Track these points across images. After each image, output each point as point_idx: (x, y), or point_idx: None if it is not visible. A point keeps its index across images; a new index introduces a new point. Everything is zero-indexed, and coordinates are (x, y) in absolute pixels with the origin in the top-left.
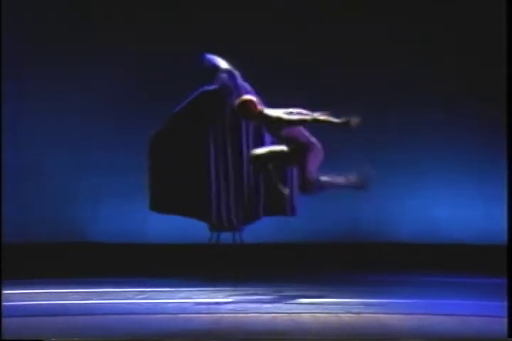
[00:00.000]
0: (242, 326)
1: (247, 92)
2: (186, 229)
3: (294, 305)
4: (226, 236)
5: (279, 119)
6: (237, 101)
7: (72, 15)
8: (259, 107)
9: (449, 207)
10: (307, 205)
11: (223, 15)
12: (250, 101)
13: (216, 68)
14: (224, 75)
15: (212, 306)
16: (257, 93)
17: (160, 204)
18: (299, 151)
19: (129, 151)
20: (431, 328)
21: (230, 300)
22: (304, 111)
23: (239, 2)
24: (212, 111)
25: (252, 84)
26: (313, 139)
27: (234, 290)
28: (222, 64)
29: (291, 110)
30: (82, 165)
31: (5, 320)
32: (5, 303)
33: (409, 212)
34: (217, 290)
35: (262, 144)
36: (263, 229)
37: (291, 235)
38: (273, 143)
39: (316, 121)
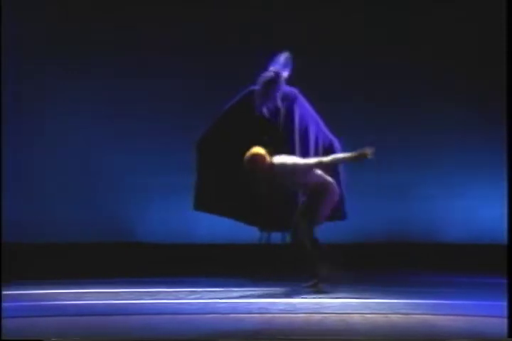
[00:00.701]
0: (293, 326)
1: (283, 97)
2: (237, 228)
3: (343, 305)
4: (276, 236)
5: (295, 165)
6: (245, 158)
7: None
8: (268, 159)
9: (497, 207)
10: (356, 206)
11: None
12: (258, 155)
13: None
14: (267, 75)
15: (263, 306)
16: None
17: (205, 203)
18: (317, 192)
19: (179, 151)
20: (480, 329)
21: (280, 300)
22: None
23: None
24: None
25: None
26: (328, 178)
27: (284, 291)
28: (280, 64)
29: (294, 157)
30: (131, 165)
31: (54, 320)
32: (57, 303)
33: (458, 213)
34: (267, 290)
35: (308, 143)
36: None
37: (340, 235)
38: (317, 142)
39: (332, 160)
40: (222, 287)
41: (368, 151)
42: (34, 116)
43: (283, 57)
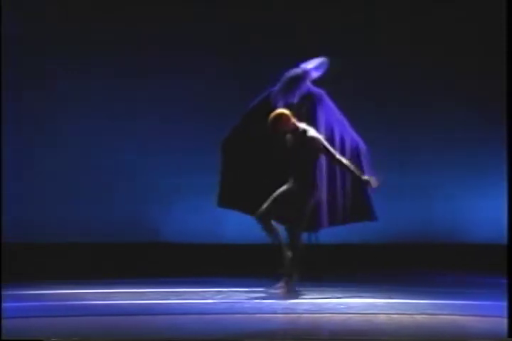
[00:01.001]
0: (318, 326)
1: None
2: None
3: (369, 305)
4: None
5: (314, 139)
6: (270, 116)
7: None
8: (293, 121)
9: None
10: (380, 207)
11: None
12: (283, 115)
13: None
14: (294, 71)
15: (288, 306)
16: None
17: (229, 200)
18: (302, 191)
19: (204, 152)
20: (506, 330)
21: (305, 300)
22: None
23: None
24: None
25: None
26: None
27: (309, 291)
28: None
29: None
30: (157, 166)
31: (83, 319)
32: (84, 302)
33: (482, 213)
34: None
35: (332, 143)
36: (337, 230)
37: (365, 236)
38: (343, 143)
39: (341, 162)
40: (248, 287)
41: (374, 183)
42: (38, 116)
43: (319, 60)
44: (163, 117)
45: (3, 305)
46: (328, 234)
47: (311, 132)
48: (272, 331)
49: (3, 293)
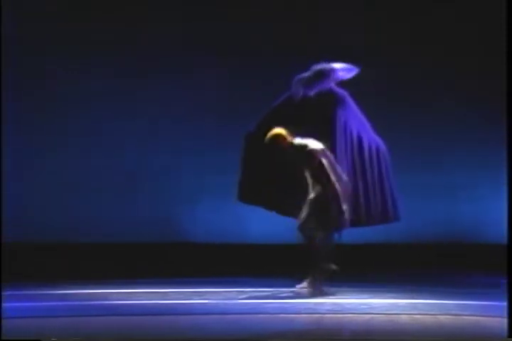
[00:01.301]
0: (341, 326)
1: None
2: (286, 228)
3: (392, 305)
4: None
5: (309, 156)
6: (267, 136)
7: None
8: (289, 139)
9: None
10: (405, 207)
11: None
12: (279, 135)
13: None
14: (323, 66)
15: (311, 306)
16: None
17: (248, 195)
18: (328, 192)
19: (229, 152)
20: None
21: (328, 300)
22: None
23: None
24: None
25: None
26: (344, 176)
27: (331, 291)
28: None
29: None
30: (182, 166)
31: (104, 319)
32: (108, 302)
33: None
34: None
35: (351, 142)
36: (359, 230)
37: (389, 235)
38: (361, 142)
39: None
40: (272, 287)
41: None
42: (39, 116)
43: (350, 66)
44: (185, 117)
45: (3, 305)
46: (350, 234)
47: (308, 147)
48: (295, 331)
49: (3, 293)
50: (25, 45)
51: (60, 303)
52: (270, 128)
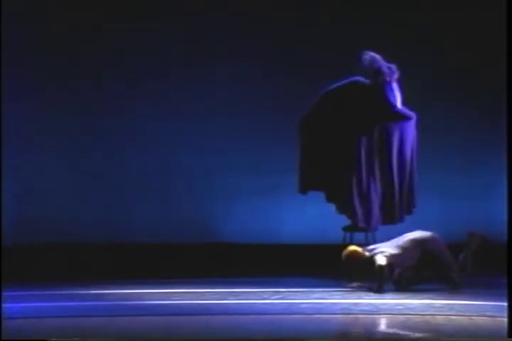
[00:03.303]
0: (376, 327)
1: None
2: (320, 228)
3: (427, 306)
4: (359, 237)
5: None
6: (343, 253)
7: None
8: (366, 254)
9: None
10: (436, 207)
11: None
12: (355, 252)
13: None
14: (384, 65)
15: (346, 307)
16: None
17: (311, 183)
18: (428, 253)
19: (264, 152)
20: None
21: (363, 300)
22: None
23: None
24: (363, 107)
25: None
26: (424, 235)
27: (366, 291)
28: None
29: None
30: (216, 166)
31: (138, 319)
32: (144, 302)
33: None
34: (351, 290)
35: (405, 146)
36: (387, 230)
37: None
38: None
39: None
40: (306, 287)
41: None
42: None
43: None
44: (220, 117)
45: (3, 305)
46: (380, 234)
47: (379, 261)
48: (330, 331)
49: (3, 293)
50: (25, 45)
51: (59, 303)
52: (326, 111)
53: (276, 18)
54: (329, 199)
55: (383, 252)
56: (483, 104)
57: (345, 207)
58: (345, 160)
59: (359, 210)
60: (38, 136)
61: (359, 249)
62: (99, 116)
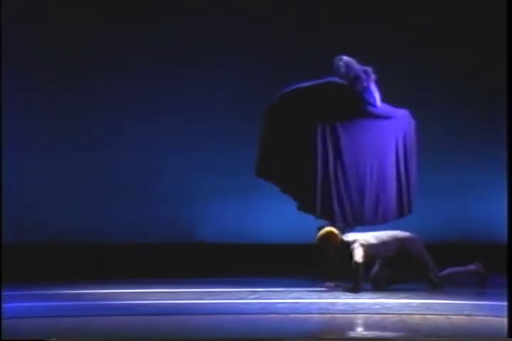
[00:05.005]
0: (353, 326)
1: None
2: (297, 229)
3: (404, 305)
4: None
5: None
6: (319, 233)
7: None
8: (339, 237)
9: None
10: (416, 206)
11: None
12: (331, 233)
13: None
14: (342, 64)
15: (323, 306)
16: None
17: (266, 170)
18: (406, 253)
19: (241, 152)
20: None
21: (340, 300)
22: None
23: None
24: (334, 106)
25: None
26: (403, 234)
27: (343, 291)
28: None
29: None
30: (195, 166)
31: (115, 319)
32: (121, 302)
33: None
34: (327, 290)
35: (383, 143)
36: (371, 229)
37: None
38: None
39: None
40: (283, 287)
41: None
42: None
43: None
44: (199, 118)
45: (3, 305)
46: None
47: (355, 246)
48: (307, 331)
49: (3, 293)
50: (26, 45)
51: (59, 303)
52: (296, 102)
53: (277, 18)
54: (284, 191)
55: (359, 240)
56: (483, 104)
57: (309, 204)
58: (307, 154)
59: (326, 208)
60: (38, 136)
61: (336, 231)
62: (77, 116)
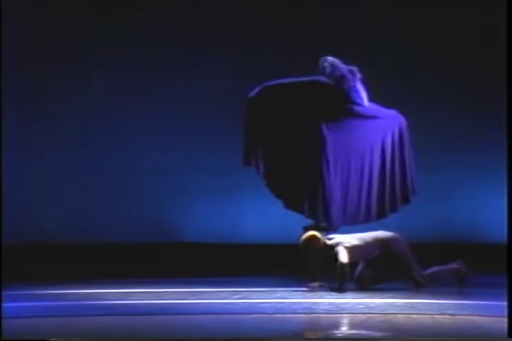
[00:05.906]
0: (338, 326)
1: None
2: (281, 228)
3: (389, 305)
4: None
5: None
6: (302, 237)
7: None
8: (325, 241)
9: None
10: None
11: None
12: (314, 237)
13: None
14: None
15: (308, 306)
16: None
17: (251, 160)
18: (389, 253)
19: (224, 152)
20: None
21: (324, 300)
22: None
23: None
24: (323, 104)
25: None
26: (386, 234)
27: (327, 290)
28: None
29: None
30: (178, 165)
31: (98, 319)
32: (103, 302)
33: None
34: (312, 290)
35: (369, 142)
36: (356, 228)
37: None
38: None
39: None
40: (267, 287)
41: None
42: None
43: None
44: (183, 116)
45: (3, 305)
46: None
47: (339, 249)
48: (291, 331)
49: (3, 293)
50: (26, 45)
51: (59, 303)
52: (278, 98)
53: (276, 18)
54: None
55: (343, 243)
56: (483, 104)
57: (296, 204)
58: (291, 154)
59: (312, 207)
60: (38, 136)
61: (318, 235)
62: (74, 117)
